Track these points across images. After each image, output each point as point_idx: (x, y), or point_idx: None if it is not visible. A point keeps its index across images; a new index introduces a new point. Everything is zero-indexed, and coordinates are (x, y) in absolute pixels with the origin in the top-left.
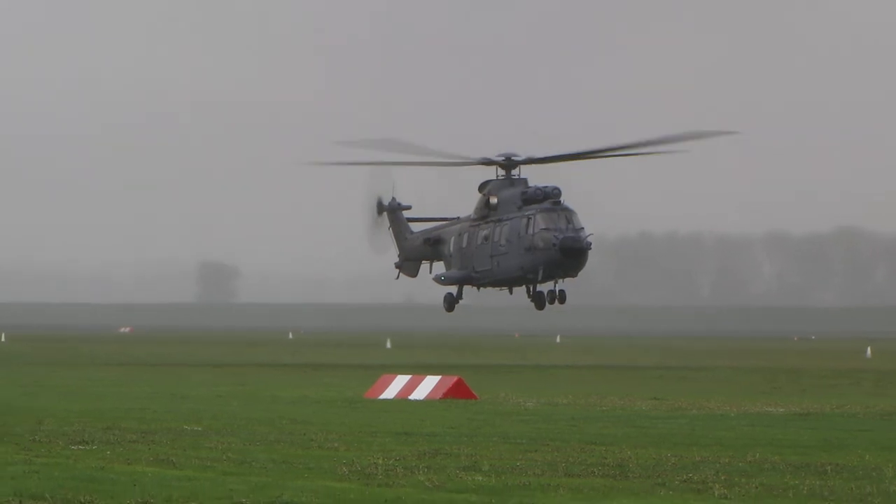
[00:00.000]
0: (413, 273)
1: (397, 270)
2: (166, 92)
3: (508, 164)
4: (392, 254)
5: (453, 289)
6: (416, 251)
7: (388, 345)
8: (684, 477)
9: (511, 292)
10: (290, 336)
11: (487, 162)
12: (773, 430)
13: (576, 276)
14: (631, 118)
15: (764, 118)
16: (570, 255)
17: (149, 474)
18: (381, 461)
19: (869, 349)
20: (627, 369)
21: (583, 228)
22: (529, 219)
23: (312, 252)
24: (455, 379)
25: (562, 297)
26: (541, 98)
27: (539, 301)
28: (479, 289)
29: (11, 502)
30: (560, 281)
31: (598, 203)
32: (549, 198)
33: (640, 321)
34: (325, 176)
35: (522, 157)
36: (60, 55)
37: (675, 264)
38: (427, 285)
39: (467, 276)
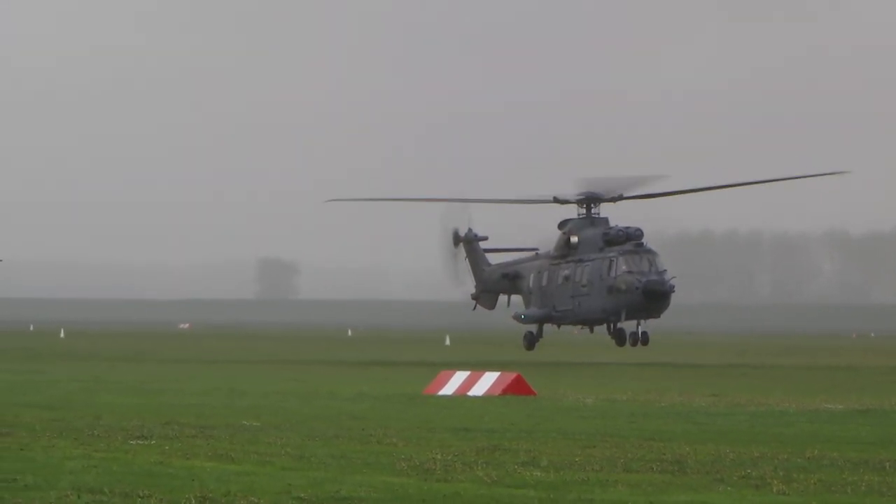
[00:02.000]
0: (491, 306)
1: (474, 302)
2: (222, 90)
3: (589, 202)
4: (469, 285)
5: (533, 327)
6: (493, 284)
7: (448, 341)
8: (742, 473)
9: (592, 330)
10: (350, 333)
11: (564, 201)
12: (832, 426)
13: (658, 317)
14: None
15: (815, 115)
16: (653, 298)
17: (207, 469)
18: (439, 456)
19: None
20: (686, 366)
21: (665, 271)
22: (612, 261)
23: (371, 248)
24: (514, 375)
25: (644, 338)
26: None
27: (620, 338)
28: (559, 326)
29: (70, 496)
30: (643, 322)
31: (661, 201)
32: (630, 239)
33: (699, 319)
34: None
35: (604, 195)
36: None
37: (735, 262)
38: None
39: (548, 314)
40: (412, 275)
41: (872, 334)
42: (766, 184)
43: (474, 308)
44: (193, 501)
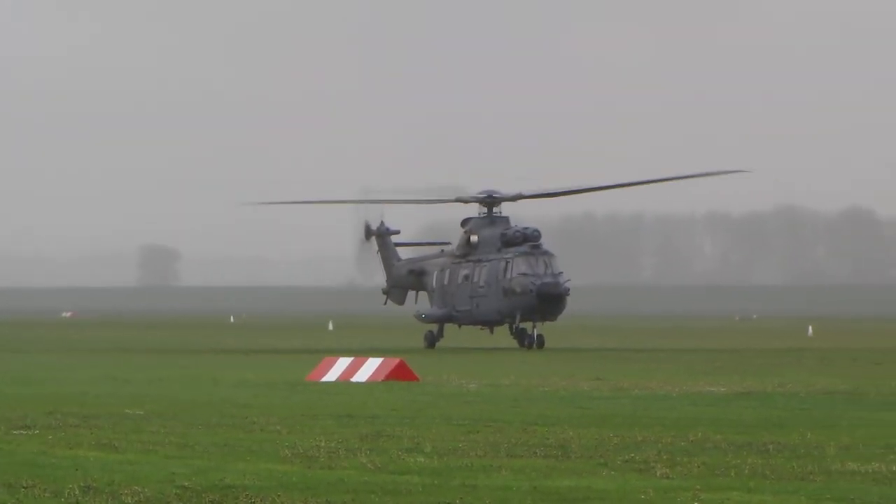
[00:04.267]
0: (400, 301)
1: (385, 296)
2: (108, 72)
3: (490, 201)
4: (381, 278)
5: (434, 326)
6: (401, 280)
7: (331, 327)
8: (626, 457)
9: (492, 332)
10: (232, 319)
11: (467, 200)
12: (715, 409)
13: (554, 320)
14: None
15: (702, 95)
16: (547, 300)
17: (91, 458)
18: (322, 444)
19: (810, 328)
20: (569, 350)
21: (561, 273)
22: (508, 262)
23: (254, 235)
24: (397, 361)
25: (540, 341)
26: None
27: (521, 338)
28: (459, 327)
29: None
30: (540, 324)
31: (544, 185)
32: (528, 240)
33: (582, 302)
34: (266, 160)
35: (504, 194)
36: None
37: (617, 244)
38: (370, 270)
39: (448, 314)
40: (294, 261)
41: (755, 315)
42: (669, 181)
43: (385, 303)
44: (77, 491)
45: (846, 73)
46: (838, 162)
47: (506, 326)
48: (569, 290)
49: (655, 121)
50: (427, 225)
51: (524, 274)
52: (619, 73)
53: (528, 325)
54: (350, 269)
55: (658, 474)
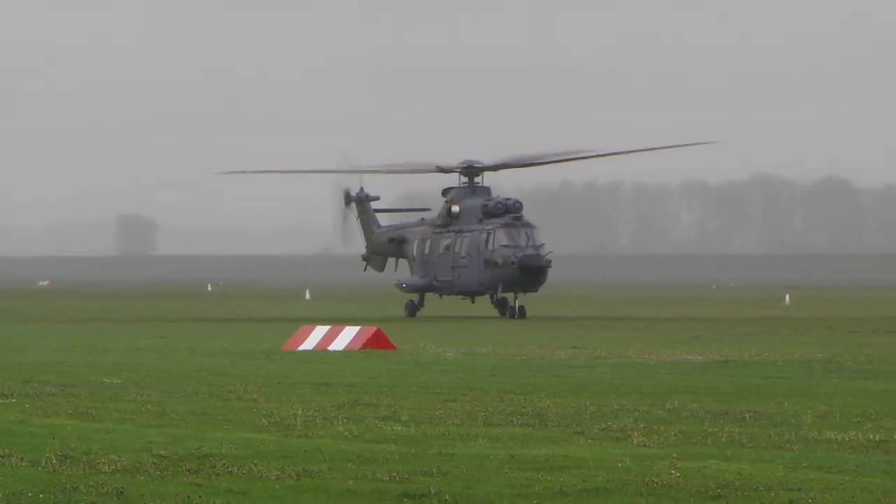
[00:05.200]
0: (380, 268)
1: (364, 263)
2: (81, 38)
3: (470, 171)
4: (359, 245)
5: (415, 296)
6: (381, 247)
7: (308, 296)
8: (603, 425)
9: (473, 301)
10: (209, 288)
11: (448, 170)
12: (692, 377)
13: (536, 291)
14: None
15: (680, 63)
16: (528, 272)
17: (68, 427)
18: (300, 412)
19: (787, 296)
20: (546, 319)
21: (543, 245)
22: (489, 233)
23: (231, 204)
24: (374, 329)
25: (521, 312)
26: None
27: (502, 308)
28: (441, 296)
29: None
30: (521, 294)
31: (520, 153)
32: (509, 211)
33: (559, 270)
34: (243, 128)
35: (485, 164)
36: None
37: (594, 213)
38: (350, 237)
39: (429, 284)
40: (271, 229)
41: (731, 284)
42: (644, 152)
43: (364, 269)
44: (54, 460)
45: (821, 42)
46: (816, 131)
47: (487, 296)
48: (550, 262)
49: (635, 90)
50: (405, 192)
51: (506, 245)
52: (601, 46)
53: (509, 296)
54: (326, 237)
55: (635, 443)
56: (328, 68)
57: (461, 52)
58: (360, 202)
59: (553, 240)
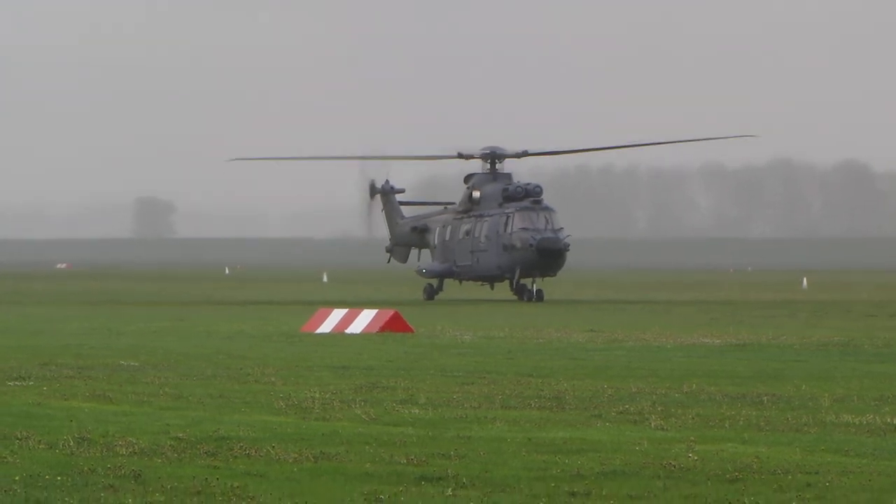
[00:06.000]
0: (403, 259)
1: (388, 255)
2: (101, 21)
3: (493, 157)
4: (386, 236)
5: (435, 281)
6: (404, 237)
7: (325, 279)
8: (621, 408)
9: (492, 287)
10: (227, 271)
11: (466, 156)
12: (710, 361)
13: (554, 275)
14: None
15: (692, 47)
16: (546, 255)
17: (85, 409)
18: (317, 395)
19: (805, 280)
20: (564, 302)
21: (562, 228)
22: (508, 217)
23: (249, 187)
24: (392, 312)
25: (539, 296)
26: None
27: (521, 293)
28: (460, 282)
29: None
30: (539, 279)
31: (540, 136)
32: (529, 196)
33: (577, 254)
34: (262, 110)
35: (507, 151)
36: None
37: (612, 197)
38: (374, 228)
39: (448, 269)
40: (289, 212)
41: (749, 268)
42: (672, 143)
43: (388, 261)
44: (71, 442)
45: (841, 25)
46: (834, 115)
47: (506, 283)
48: (568, 245)
49: (652, 77)
50: (426, 179)
51: (524, 229)
52: (621, 34)
53: (527, 281)
54: (344, 221)
55: (652, 426)
56: (347, 52)
57: (480, 42)
58: (385, 194)
59: (570, 224)
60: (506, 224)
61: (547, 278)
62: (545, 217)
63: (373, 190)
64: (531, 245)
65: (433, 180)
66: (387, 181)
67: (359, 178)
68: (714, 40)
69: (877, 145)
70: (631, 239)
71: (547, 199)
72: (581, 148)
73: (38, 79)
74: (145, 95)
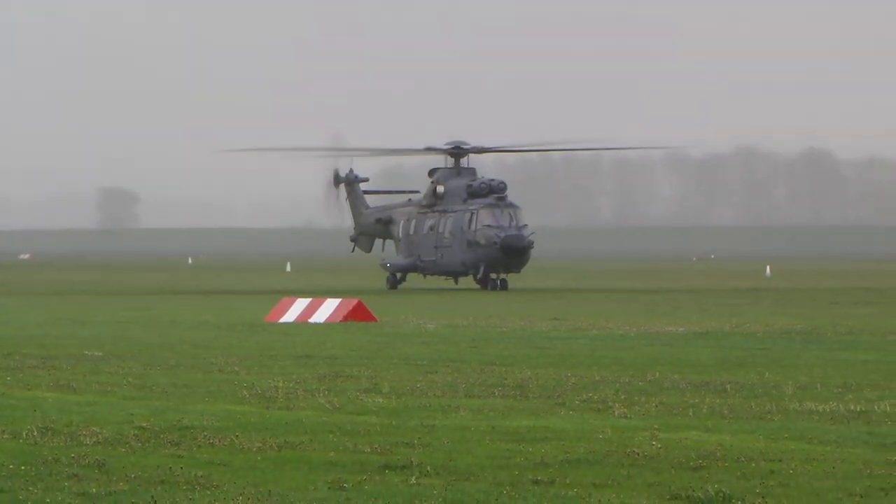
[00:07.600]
0: (367, 248)
1: (352, 244)
2: (65, 11)
3: (457, 152)
4: (350, 225)
5: (399, 275)
6: (369, 228)
7: (288, 268)
8: (584, 396)
9: (457, 282)
10: (190, 261)
11: (434, 150)
12: (673, 349)
13: (518, 272)
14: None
15: (659, 36)
16: (511, 253)
17: (49, 399)
18: (281, 384)
19: (768, 268)
20: (527, 291)
21: (526, 226)
22: (473, 214)
23: (213, 176)
24: (355, 302)
25: (503, 284)
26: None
27: (484, 285)
28: (424, 276)
29: None
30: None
31: (503, 131)
32: (493, 192)
33: (541, 243)
34: (227, 102)
35: (471, 146)
36: None
37: (575, 185)
38: (337, 217)
39: (413, 264)
40: (252, 203)
41: (713, 256)
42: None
43: (353, 250)
44: (35, 432)
45: (803, 12)
46: (797, 103)
47: (470, 277)
48: (533, 242)
49: (610, 68)
50: (389, 168)
51: (489, 226)
52: (582, 25)
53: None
54: (308, 210)
55: (616, 414)
56: (315, 44)
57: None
58: (349, 183)
59: (533, 212)
60: (470, 221)
61: (511, 274)
62: (509, 214)
63: (336, 178)
64: (495, 242)
65: (396, 169)
66: (350, 170)
67: (323, 168)
68: (679, 31)
69: (840, 133)
70: (595, 227)
71: (511, 187)
72: (536, 147)
73: (4, 69)
74: (108, 85)
